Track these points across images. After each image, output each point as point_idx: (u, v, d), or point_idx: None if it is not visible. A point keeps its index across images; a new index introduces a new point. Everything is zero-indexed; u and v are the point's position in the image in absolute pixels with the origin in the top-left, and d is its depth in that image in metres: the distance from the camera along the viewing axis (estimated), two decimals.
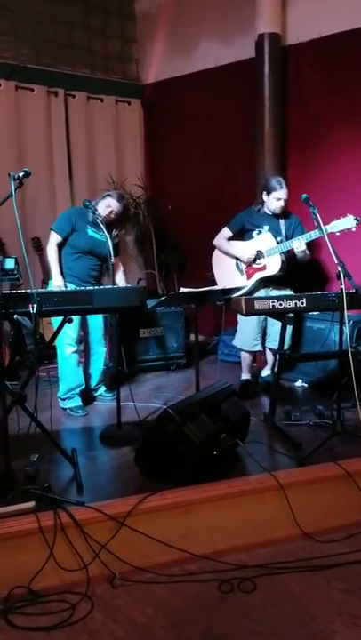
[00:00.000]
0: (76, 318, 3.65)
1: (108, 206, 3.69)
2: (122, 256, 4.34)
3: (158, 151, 6.10)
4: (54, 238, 3.72)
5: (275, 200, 3.92)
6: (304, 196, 3.36)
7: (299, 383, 4.29)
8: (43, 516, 2.30)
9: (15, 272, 4.47)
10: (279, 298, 3.04)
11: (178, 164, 5.89)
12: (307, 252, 3.81)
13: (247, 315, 3.06)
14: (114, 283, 3.56)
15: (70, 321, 2.66)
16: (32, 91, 5.42)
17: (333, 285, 4.54)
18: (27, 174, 2.70)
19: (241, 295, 3.73)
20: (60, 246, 3.74)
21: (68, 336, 3.67)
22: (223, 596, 2.29)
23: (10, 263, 4.46)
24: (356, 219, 3.48)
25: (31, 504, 2.35)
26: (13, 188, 2.62)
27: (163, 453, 2.64)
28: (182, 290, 3.33)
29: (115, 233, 3.78)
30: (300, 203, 3.36)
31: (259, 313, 3.09)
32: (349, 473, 2.71)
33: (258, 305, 2.99)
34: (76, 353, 3.79)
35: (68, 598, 2.24)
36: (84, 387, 3.89)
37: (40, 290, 2.62)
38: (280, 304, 3.02)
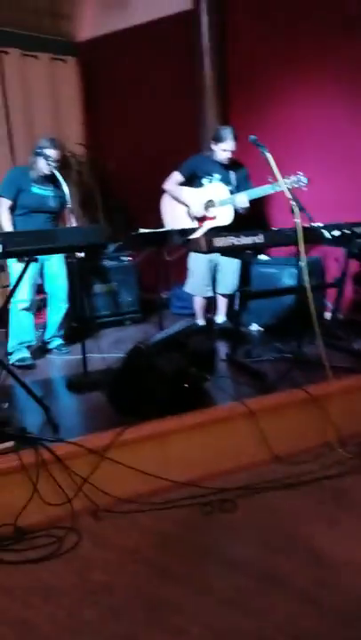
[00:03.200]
0: (30, 277, 3.60)
1: (47, 157, 3.60)
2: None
3: (98, 110, 5.94)
4: (4, 203, 3.68)
5: (221, 151, 3.97)
6: (252, 137, 3.39)
7: (254, 327, 4.39)
8: (23, 453, 2.28)
9: None
10: (237, 234, 3.09)
11: (119, 122, 5.76)
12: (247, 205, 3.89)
13: (208, 252, 3.09)
14: None
15: (36, 260, 2.62)
16: None
17: None
18: None
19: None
20: (12, 209, 3.71)
21: (20, 291, 3.56)
22: (206, 517, 2.36)
23: None
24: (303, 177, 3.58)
25: (10, 444, 2.32)
26: None
27: (135, 389, 2.66)
28: (142, 231, 3.32)
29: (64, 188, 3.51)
30: (248, 154, 3.37)
31: (218, 250, 3.13)
32: (314, 397, 2.84)
33: (217, 242, 3.03)
34: (28, 311, 3.77)
35: (54, 533, 2.25)
36: (34, 344, 3.86)
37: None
38: (239, 240, 3.07)
